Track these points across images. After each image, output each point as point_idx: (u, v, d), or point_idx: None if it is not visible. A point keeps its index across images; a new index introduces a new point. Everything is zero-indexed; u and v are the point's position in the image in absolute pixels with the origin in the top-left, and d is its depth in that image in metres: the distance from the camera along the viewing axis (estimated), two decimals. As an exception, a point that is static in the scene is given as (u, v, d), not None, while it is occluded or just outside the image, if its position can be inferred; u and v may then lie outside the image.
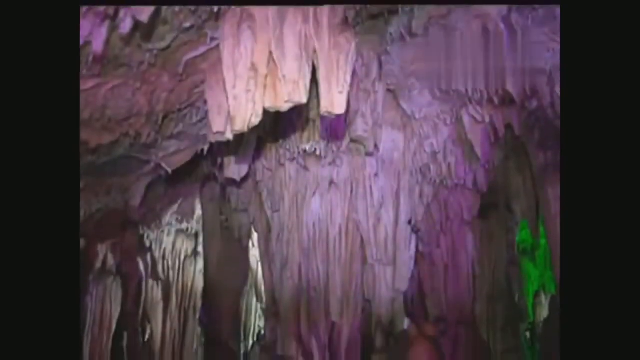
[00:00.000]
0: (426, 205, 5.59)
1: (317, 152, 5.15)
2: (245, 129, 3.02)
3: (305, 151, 5.15)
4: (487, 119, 4.99)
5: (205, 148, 4.85)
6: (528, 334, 8.60)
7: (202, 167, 6.18)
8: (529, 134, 5.32)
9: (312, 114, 4.81)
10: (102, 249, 7.50)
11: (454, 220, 5.85)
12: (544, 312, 8.49)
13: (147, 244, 8.16)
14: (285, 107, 3.04)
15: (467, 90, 4.74)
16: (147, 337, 8.37)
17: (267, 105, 3.02)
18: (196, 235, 8.26)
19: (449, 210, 5.84)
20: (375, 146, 5.02)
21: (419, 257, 5.70)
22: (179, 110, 4.19)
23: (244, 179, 5.48)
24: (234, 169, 5.15)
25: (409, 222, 5.40)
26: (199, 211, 7.54)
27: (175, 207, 7.60)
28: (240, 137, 4.88)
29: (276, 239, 5.41)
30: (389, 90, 4.97)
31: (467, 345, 5.82)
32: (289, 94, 2.96)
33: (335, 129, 4.88)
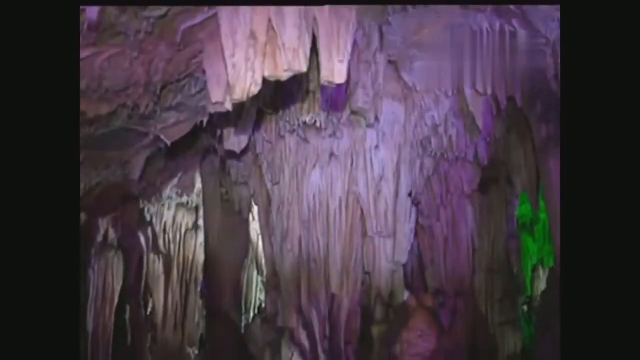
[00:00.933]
0: (426, 177, 5.59)
1: (317, 124, 5.11)
2: (244, 98, 2.98)
3: (305, 123, 5.12)
4: (489, 91, 4.93)
5: (205, 120, 4.79)
6: (525, 307, 8.69)
7: (202, 140, 6.14)
8: (531, 106, 5.26)
9: (312, 86, 4.75)
10: (102, 223, 7.52)
11: (454, 193, 5.85)
12: (541, 286, 8.56)
13: (148, 217, 8.19)
14: (284, 75, 2.99)
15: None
16: (149, 310, 8.46)
17: (267, 74, 2.97)
18: (196, 208, 8.27)
19: (449, 183, 5.83)
20: (376, 118, 4.98)
21: (418, 229, 5.72)
22: (177, 80, 4.13)
23: (244, 151, 5.45)
24: (234, 141, 5.12)
25: (409, 195, 5.40)
26: (198, 184, 7.53)
27: (175, 180, 7.59)
28: (239, 109, 4.85)
29: (276, 211, 5.41)
30: (389, 62, 4.91)
31: (466, 316, 5.88)
32: (289, 62, 2.91)
33: (336, 100, 4.84)
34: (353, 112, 5.00)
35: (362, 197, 5.23)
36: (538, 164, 5.68)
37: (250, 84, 2.94)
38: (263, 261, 6.91)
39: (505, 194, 6.57)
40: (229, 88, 3.05)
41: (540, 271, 9.67)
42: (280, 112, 5.13)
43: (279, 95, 4.86)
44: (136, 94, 3.98)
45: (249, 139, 5.33)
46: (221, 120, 5.02)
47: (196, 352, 8.15)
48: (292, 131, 5.25)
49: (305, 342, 5.15)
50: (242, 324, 7.70)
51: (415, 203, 5.54)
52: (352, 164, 5.24)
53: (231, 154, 5.58)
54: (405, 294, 5.25)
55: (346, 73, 3.07)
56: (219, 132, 5.36)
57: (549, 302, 6.00)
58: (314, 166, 5.23)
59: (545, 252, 10.10)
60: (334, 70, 3.01)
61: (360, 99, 4.81)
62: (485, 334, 6.18)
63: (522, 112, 5.40)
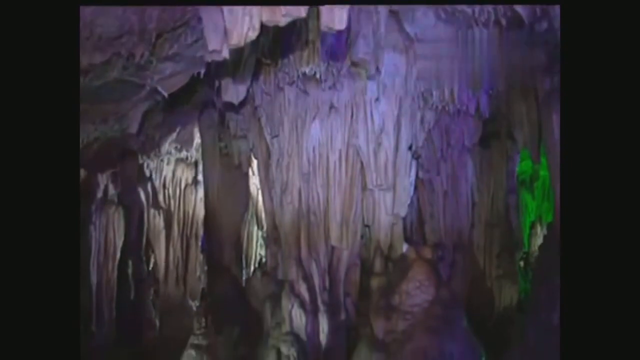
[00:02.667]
0: (427, 131, 5.52)
1: (317, 76, 5.02)
2: (242, 44, 2.90)
3: (304, 74, 5.02)
4: (494, 41, 4.82)
5: (202, 71, 4.69)
6: (522, 263, 8.80)
7: (200, 93, 6.05)
8: (536, 58, 5.15)
9: (312, 35, 4.63)
10: (102, 179, 7.53)
11: (454, 147, 5.81)
12: (538, 243, 8.65)
13: (147, 173, 8.19)
14: (283, 21, 2.89)
15: (473, 11, 4.58)
16: (151, 265, 8.58)
17: (265, 19, 2.88)
18: (196, 163, 8.27)
19: (450, 137, 5.79)
20: (377, 69, 4.88)
21: (418, 183, 5.71)
22: (173, 29, 4.01)
23: (243, 103, 5.38)
24: (232, 92, 5.04)
25: (410, 148, 5.35)
26: (197, 139, 7.49)
27: (174, 135, 7.54)
28: (237, 59, 4.75)
29: (276, 164, 5.38)
30: (391, 12, 4.77)
31: (464, 270, 5.95)
32: (287, 7, 2.82)
33: (336, 50, 4.73)
34: (353, 64, 4.89)
35: (362, 150, 5.19)
36: (541, 119, 5.60)
37: (248, 29, 2.85)
38: (263, 216, 6.93)
39: (506, 149, 6.53)
40: (226, 35, 2.97)
41: (538, 228, 9.77)
42: (279, 63, 5.02)
43: (278, 45, 4.74)
44: (131, 43, 3.86)
45: (248, 91, 5.24)
46: (219, 71, 4.92)
47: (198, 305, 8.30)
48: (291, 83, 5.16)
49: (305, 294, 5.23)
50: (243, 279, 7.81)
51: (416, 157, 5.50)
52: (352, 117, 5.17)
53: (230, 106, 5.50)
54: (405, 247, 5.29)
55: (347, 19, 2.97)
56: (217, 83, 5.26)
57: (546, 258, 6.06)
58: (313, 119, 5.17)
59: (544, 209, 10.16)
60: (335, 16, 2.91)
61: (360, 49, 4.69)
62: (483, 286, 6.27)
63: (527, 64, 5.29)
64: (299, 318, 5.19)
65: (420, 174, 5.73)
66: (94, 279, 7.38)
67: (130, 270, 8.09)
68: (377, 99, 5.14)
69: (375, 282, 5.10)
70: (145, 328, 8.08)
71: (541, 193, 10.23)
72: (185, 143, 7.81)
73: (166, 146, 7.75)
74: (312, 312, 5.20)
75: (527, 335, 4.78)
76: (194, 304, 8.34)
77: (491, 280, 6.49)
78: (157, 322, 8.21)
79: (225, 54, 3.19)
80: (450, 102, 5.35)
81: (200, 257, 8.65)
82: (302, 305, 5.18)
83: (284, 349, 5.14)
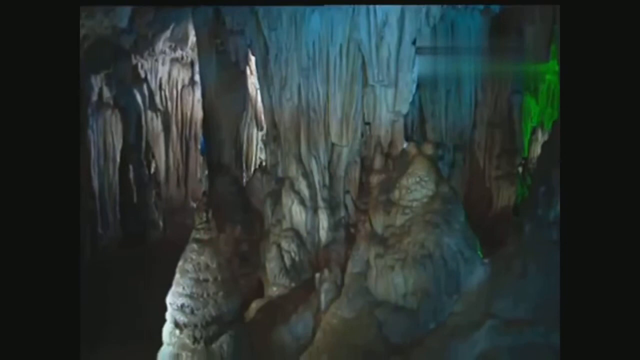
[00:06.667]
0: (432, 26, 5.24)
1: (317, -38, 4.70)
2: None
3: (303, -39, 4.70)
4: None
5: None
6: (520, 169, 8.83)
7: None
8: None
9: None
10: (96, 81, 7.35)
11: (460, 43, 5.58)
12: (537, 149, 8.63)
13: (142, 74, 7.99)
14: None
15: None
16: (152, 169, 8.62)
17: None
18: (192, 63, 8.04)
19: (456, 33, 5.53)
20: (381, -45, 4.56)
21: (421, 80, 5.53)
22: None
23: (238, -9, 5.08)
24: (227, -21, 4.75)
25: (413, 43, 5.13)
26: (192, 37, 7.21)
27: (167, 33, 7.25)
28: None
29: (274, 59, 5.19)
30: None
31: (464, 169, 5.96)
32: None
33: None
34: (356, -49, 4.56)
35: (363, 45, 4.98)
36: (555, 15, 5.35)
37: None
38: (262, 117, 6.82)
39: (514, 46, 6.28)
40: None
41: (539, 134, 9.69)
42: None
43: None
44: None
45: (243, -21, 4.94)
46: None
47: (198, 201, 8.43)
48: (289, -28, 4.85)
49: (305, 191, 5.27)
50: (244, 179, 7.88)
51: (419, 52, 5.28)
52: (353, 10, 4.90)
53: (224, -4, 5.20)
54: (405, 145, 5.23)
55: None
56: (210, -28, 4.95)
57: (547, 158, 6.04)
58: (313, 11, 4.90)
59: (547, 115, 10.02)
60: None
61: None
62: (482, 185, 6.32)
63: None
64: (299, 215, 5.27)
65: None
66: (96, 182, 7.44)
67: (131, 174, 8.15)
68: (380, -10, 4.85)
69: (374, 179, 5.10)
70: (149, 229, 8.29)
71: (545, 98, 10.04)
72: (180, 42, 7.54)
73: (160, 45, 7.49)
74: (312, 209, 5.27)
75: (523, 231, 4.87)
76: (195, 205, 8.50)
77: (490, 180, 6.54)
78: (161, 223, 8.41)
79: None
80: (458, -7, 5.07)
81: (200, 159, 8.69)
82: (302, 202, 5.24)
83: (285, 245, 5.28)
